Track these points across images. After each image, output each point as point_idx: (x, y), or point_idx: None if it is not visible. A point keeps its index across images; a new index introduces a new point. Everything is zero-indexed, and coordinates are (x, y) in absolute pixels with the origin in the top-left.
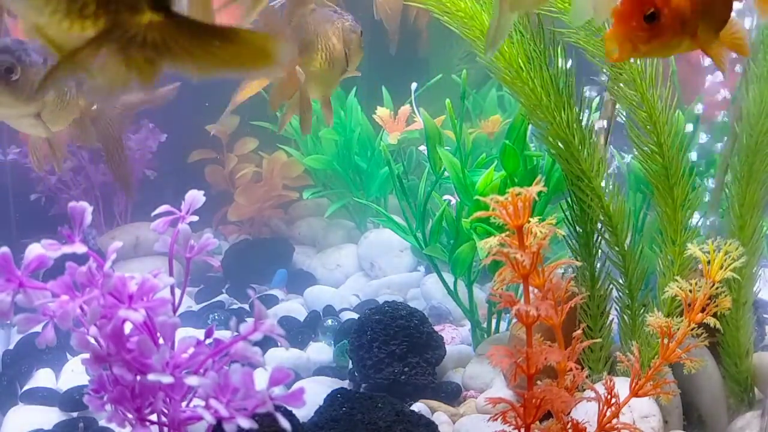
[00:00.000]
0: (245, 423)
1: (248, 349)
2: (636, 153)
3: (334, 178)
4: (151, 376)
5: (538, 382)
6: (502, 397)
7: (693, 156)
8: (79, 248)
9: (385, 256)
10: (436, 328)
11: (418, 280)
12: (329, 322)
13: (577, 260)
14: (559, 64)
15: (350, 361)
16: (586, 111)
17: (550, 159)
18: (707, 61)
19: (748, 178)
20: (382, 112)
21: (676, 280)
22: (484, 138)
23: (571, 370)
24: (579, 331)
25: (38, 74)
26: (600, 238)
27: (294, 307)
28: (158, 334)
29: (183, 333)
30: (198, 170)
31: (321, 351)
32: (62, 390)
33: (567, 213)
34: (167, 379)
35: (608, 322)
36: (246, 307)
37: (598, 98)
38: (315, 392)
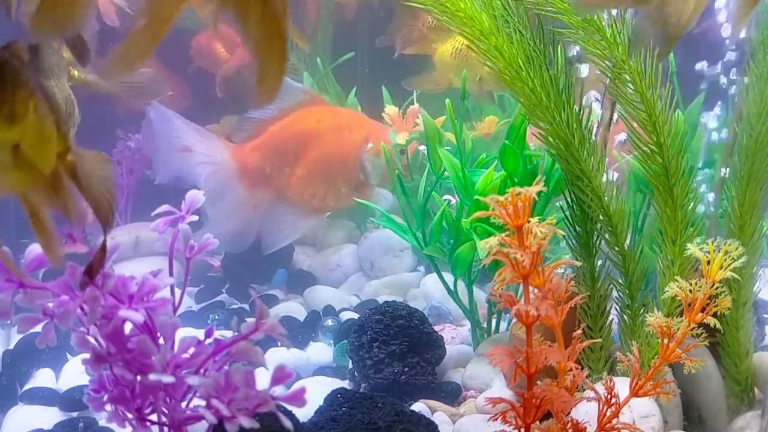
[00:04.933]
0: (246, 422)
1: (249, 349)
2: (636, 153)
3: None
4: (152, 376)
5: (538, 382)
6: (502, 397)
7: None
8: (80, 248)
9: (385, 256)
10: (436, 328)
11: (418, 280)
12: (329, 322)
13: (577, 260)
14: (560, 64)
15: (350, 361)
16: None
17: (550, 159)
18: None
19: (748, 179)
20: (390, 111)
21: (676, 280)
22: (483, 138)
23: (571, 370)
24: (579, 331)
25: None
26: (600, 238)
27: (294, 307)
28: (158, 334)
29: (183, 333)
30: None
31: (321, 351)
32: (62, 390)
33: (567, 213)
34: (168, 379)
35: (608, 322)
36: (246, 307)
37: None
38: (315, 392)
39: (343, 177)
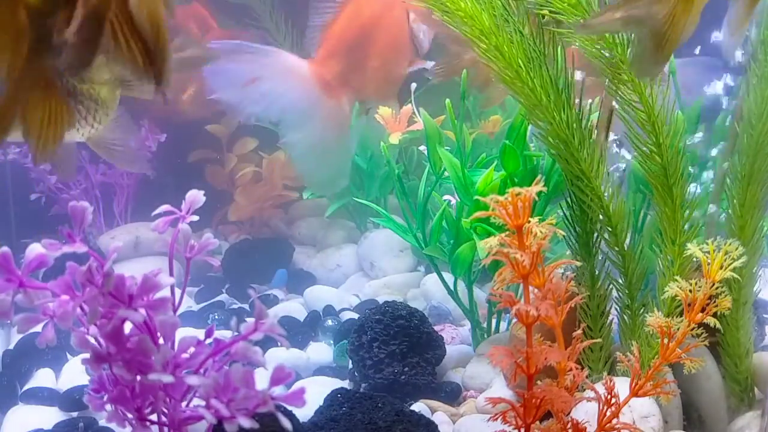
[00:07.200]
0: (246, 423)
1: (249, 349)
2: (635, 153)
3: None
4: (152, 376)
5: (538, 382)
6: (502, 397)
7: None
8: (80, 248)
9: (385, 256)
10: (436, 328)
11: (418, 280)
12: (329, 322)
13: (577, 260)
14: (560, 65)
15: (350, 361)
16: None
17: (550, 159)
18: None
19: (748, 178)
20: (383, 112)
21: (676, 280)
22: (484, 138)
23: (571, 370)
24: (579, 331)
25: None
26: (600, 238)
27: (294, 307)
28: (158, 334)
29: (183, 333)
30: (198, 170)
31: (321, 351)
32: (62, 390)
33: (567, 213)
34: (168, 379)
35: (608, 322)
36: (246, 307)
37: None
38: (315, 392)
39: (405, 56)
